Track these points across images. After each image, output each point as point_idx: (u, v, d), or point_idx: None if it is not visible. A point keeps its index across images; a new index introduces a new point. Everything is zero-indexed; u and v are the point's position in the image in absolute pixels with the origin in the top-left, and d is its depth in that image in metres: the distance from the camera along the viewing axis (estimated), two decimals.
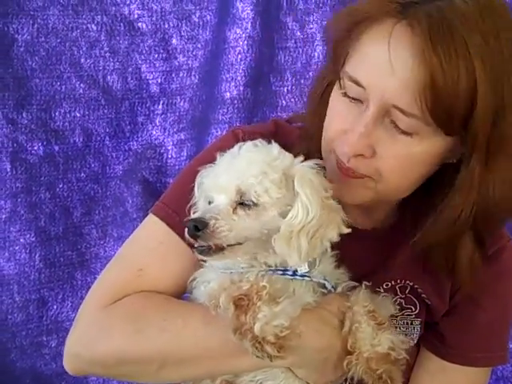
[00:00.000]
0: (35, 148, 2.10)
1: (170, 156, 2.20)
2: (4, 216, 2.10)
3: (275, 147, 1.30)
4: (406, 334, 1.47)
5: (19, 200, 2.09)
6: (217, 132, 2.14)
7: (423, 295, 1.50)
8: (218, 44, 2.13)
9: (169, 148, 2.20)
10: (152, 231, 1.47)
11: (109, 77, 2.13)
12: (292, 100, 2.22)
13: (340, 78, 1.29)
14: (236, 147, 1.31)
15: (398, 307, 1.45)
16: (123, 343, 1.33)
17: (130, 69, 2.15)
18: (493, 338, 1.55)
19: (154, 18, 2.13)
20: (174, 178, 1.68)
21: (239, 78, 2.11)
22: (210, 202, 1.28)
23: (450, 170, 1.31)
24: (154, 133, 2.19)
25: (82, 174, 2.17)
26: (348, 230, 1.28)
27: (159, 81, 2.17)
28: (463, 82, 1.16)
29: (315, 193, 1.26)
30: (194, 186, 1.36)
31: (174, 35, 2.15)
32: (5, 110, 2.04)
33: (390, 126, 1.25)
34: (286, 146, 1.34)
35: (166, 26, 2.14)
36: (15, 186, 2.08)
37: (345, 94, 1.29)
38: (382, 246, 1.45)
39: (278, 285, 1.22)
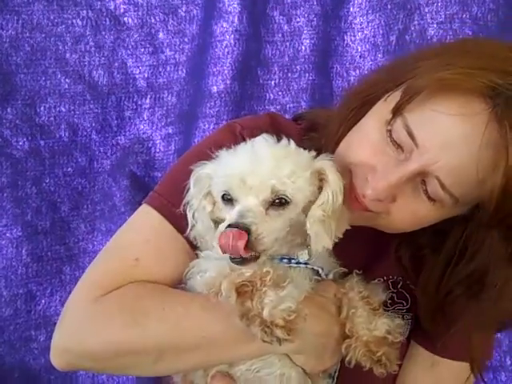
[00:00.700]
0: (20, 143, 2.07)
1: (157, 150, 2.19)
2: None
3: (291, 143, 1.29)
4: None
5: (5, 195, 2.07)
6: (204, 126, 2.12)
7: (415, 290, 1.51)
8: (204, 38, 2.12)
9: (157, 142, 2.18)
10: (146, 221, 1.45)
11: (94, 72, 2.11)
12: (279, 93, 2.21)
13: (394, 113, 1.25)
14: (248, 144, 1.28)
15: (390, 301, 1.47)
16: (119, 335, 1.31)
17: (116, 63, 2.13)
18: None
19: (140, 13, 2.11)
20: (169, 169, 1.66)
21: (226, 71, 2.10)
22: (226, 203, 1.26)
23: None
24: (142, 127, 2.18)
25: (69, 169, 2.15)
26: (349, 227, 1.29)
27: (146, 75, 2.15)
28: None
29: (341, 183, 1.26)
30: (188, 178, 1.34)
31: (161, 29, 2.13)
32: None
33: (418, 185, 1.25)
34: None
35: (153, 20, 2.13)
36: (0, 180, 2.06)
37: (389, 134, 1.26)
38: (374, 241, 1.46)
39: (280, 271, 1.23)
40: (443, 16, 2.10)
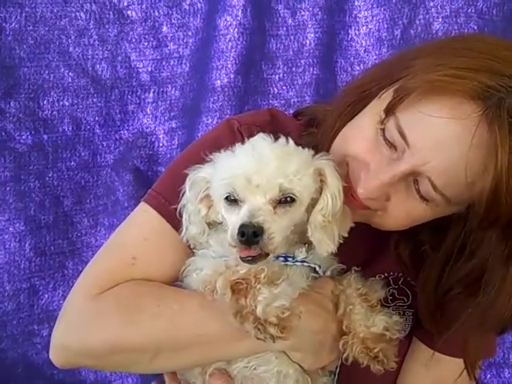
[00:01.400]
0: (23, 137, 2.07)
1: (161, 144, 2.18)
2: None
3: (290, 141, 1.29)
4: None
5: (8, 189, 2.07)
6: (207, 120, 2.12)
7: (416, 286, 1.50)
8: (208, 32, 2.11)
9: (160, 136, 2.18)
10: (144, 220, 1.46)
11: (98, 65, 2.11)
12: (284, 88, 2.20)
13: (386, 112, 1.24)
14: (247, 145, 1.28)
15: (391, 298, 1.48)
16: (116, 332, 1.32)
17: (120, 57, 2.12)
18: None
19: (143, 6, 2.11)
20: (167, 167, 1.66)
21: (230, 65, 2.09)
22: (230, 205, 1.25)
23: None
24: (145, 121, 2.17)
25: (72, 163, 2.15)
26: (353, 225, 1.29)
27: (149, 69, 2.14)
28: None
29: (340, 185, 1.27)
30: (186, 176, 1.34)
31: (165, 23, 2.12)
32: None
33: (411, 184, 1.25)
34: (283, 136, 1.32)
35: (156, 13, 2.12)
36: (3, 174, 2.06)
37: (382, 132, 1.26)
38: (375, 237, 1.45)
39: (275, 268, 1.23)
40: (448, 10, 2.07)
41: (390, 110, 1.23)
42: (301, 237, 1.31)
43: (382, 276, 1.50)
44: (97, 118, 2.14)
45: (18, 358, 2.17)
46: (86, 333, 1.34)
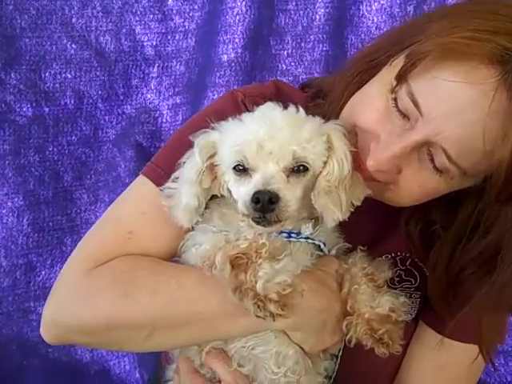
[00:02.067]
0: (24, 109, 2.03)
1: (164, 120, 2.14)
2: None
3: (300, 109, 1.24)
4: None
5: (7, 162, 2.03)
6: (213, 95, 2.08)
7: (424, 268, 1.46)
8: (215, 5, 2.06)
9: (164, 112, 2.14)
10: (142, 193, 1.41)
11: (101, 38, 2.06)
12: (292, 64, 2.16)
13: (397, 80, 1.18)
14: (257, 112, 1.23)
15: (398, 279, 1.43)
16: (111, 308, 1.28)
17: (124, 30, 2.07)
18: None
19: None
20: (168, 139, 1.62)
21: (237, 40, 2.05)
22: (239, 175, 1.21)
23: None
24: (149, 96, 2.13)
25: (73, 138, 2.11)
26: (369, 192, 1.23)
27: (154, 43, 2.10)
28: None
29: (348, 151, 1.21)
30: (188, 149, 1.29)
31: None
32: None
33: (425, 155, 1.19)
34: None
35: None
36: (3, 147, 2.02)
37: (394, 102, 1.20)
38: (384, 215, 1.40)
39: (277, 243, 1.18)
40: None
41: (401, 77, 1.17)
42: (308, 211, 1.25)
43: (389, 256, 1.44)
44: (99, 92, 2.10)
45: (12, 336, 2.14)
46: (79, 308, 1.30)
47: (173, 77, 2.12)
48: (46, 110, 2.06)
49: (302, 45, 2.15)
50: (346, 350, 1.32)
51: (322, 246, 1.28)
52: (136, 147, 2.12)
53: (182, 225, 1.29)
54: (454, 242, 1.34)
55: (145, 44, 2.09)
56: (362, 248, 1.33)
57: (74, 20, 2.02)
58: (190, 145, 1.28)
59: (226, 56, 2.06)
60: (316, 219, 1.26)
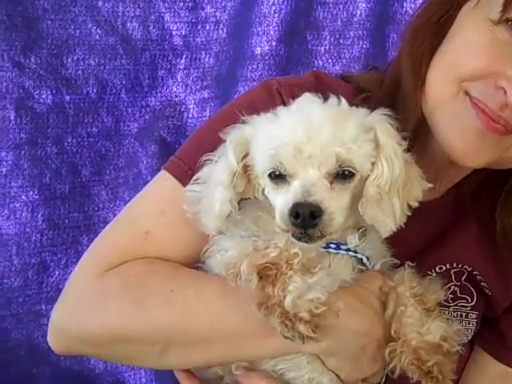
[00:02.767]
0: (43, 96, 1.93)
1: (190, 115, 2.04)
2: (5, 169, 1.93)
3: (343, 101, 1.11)
4: None
5: (22, 152, 1.93)
6: (244, 90, 1.97)
7: (483, 283, 1.33)
8: None
9: (190, 107, 2.04)
10: (163, 190, 1.30)
11: (128, 24, 1.97)
12: (329, 61, 2.06)
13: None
14: (293, 107, 1.10)
15: (451, 296, 1.30)
16: (119, 317, 1.17)
17: (153, 17, 1.98)
18: None
19: None
20: (193, 131, 1.52)
21: (272, 32, 1.96)
22: (276, 182, 1.08)
23: None
24: (175, 89, 2.03)
25: (94, 129, 2.01)
26: (431, 185, 1.11)
27: (183, 32, 2.01)
28: None
29: (398, 145, 1.08)
30: (216, 143, 1.16)
31: None
32: (11, 52, 1.86)
33: None
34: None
35: None
36: (19, 136, 1.92)
37: (506, 21, 1.06)
38: (439, 220, 1.28)
39: (311, 254, 1.04)
40: None
41: None
42: (354, 220, 1.12)
43: (443, 268, 1.32)
44: (123, 82, 2.01)
45: (21, 340, 2.04)
46: (86, 315, 1.20)
47: (201, 69, 2.03)
48: (67, 98, 1.96)
49: (341, 41, 2.06)
50: (387, 379, 1.18)
51: (365, 259, 1.15)
52: (159, 142, 2.03)
53: (210, 233, 1.17)
54: None
55: (173, 33, 2.00)
56: (410, 264, 1.19)
57: (100, 3, 1.93)
58: (219, 139, 1.15)
59: (259, 49, 1.97)
60: (362, 227, 1.14)
